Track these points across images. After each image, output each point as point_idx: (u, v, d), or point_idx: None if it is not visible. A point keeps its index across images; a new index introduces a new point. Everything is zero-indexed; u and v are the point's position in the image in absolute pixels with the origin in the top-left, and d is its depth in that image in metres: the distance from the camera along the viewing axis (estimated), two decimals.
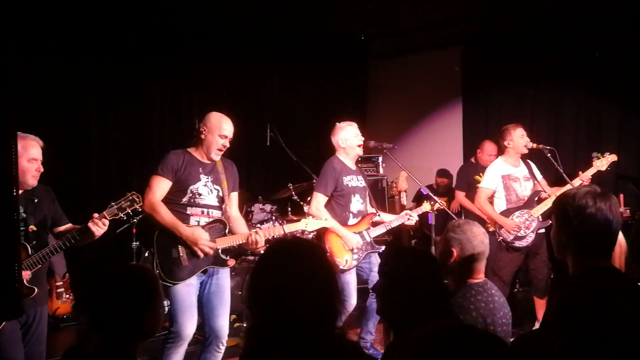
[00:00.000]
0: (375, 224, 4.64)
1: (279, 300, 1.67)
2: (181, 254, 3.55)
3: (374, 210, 4.76)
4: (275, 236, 3.74)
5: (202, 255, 3.56)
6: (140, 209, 3.35)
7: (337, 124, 4.74)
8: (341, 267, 4.42)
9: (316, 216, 4.34)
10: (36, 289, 3.07)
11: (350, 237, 4.46)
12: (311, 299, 1.67)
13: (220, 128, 3.68)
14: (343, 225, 4.51)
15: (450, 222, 2.87)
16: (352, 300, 4.45)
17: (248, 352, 1.76)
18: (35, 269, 3.08)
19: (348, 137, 4.61)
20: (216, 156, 3.71)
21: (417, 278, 2.15)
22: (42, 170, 3.16)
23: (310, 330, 1.66)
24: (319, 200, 4.48)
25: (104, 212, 3.20)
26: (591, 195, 1.98)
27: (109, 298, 1.99)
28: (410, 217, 4.66)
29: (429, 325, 1.20)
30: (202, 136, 3.68)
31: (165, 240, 3.56)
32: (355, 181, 4.62)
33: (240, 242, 3.70)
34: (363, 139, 4.66)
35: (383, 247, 4.76)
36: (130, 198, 3.27)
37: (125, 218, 3.29)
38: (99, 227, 3.14)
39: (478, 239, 2.68)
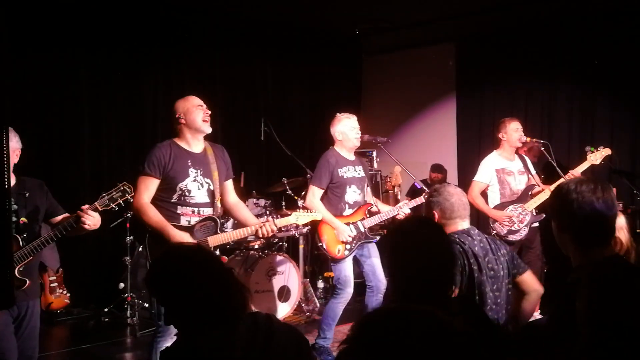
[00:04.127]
0: (372, 214, 4.63)
1: (179, 300, 1.92)
2: None
3: (370, 201, 4.75)
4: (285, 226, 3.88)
5: None
6: (132, 200, 3.31)
7: (337, 114, 4.74)
8: (334, 256, 4.49)
9: (310, 208, 4.36)
10: (28, 281, 3.05)
11: (342, 229, 4.48)
12: (209, 299, 1.90)
13: (191, 103, 3.66)
14: (338, 216, 4.54)
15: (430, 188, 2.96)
16: (349, 289, 4.53)
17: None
18: (27, 260, 3.06)
19: (344, 131, 4.63)
20: (208, 128, 3.66)
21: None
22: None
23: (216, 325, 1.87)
24: (314, 193, 4.56)
25: (95, 203, 3.14)
26: (585, 184, 1.99)
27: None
28: (401, 210, 4.62)
29: (384, 306, 1.19)
30: (182, 121, 3.62)
31: (156, 242, 3.52)
32: (352, 172, 4.64)
33: (236, 239, 3.68)
34: (360, 133, 4.66)
35: (378, 237, 4.74)
36: (122, 188, 3.22)
37: (117, 209, 3.24)
38: (89, 215, 3.10)
39: (455, 197, 2.76)
